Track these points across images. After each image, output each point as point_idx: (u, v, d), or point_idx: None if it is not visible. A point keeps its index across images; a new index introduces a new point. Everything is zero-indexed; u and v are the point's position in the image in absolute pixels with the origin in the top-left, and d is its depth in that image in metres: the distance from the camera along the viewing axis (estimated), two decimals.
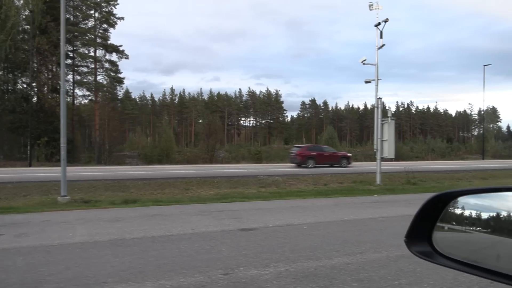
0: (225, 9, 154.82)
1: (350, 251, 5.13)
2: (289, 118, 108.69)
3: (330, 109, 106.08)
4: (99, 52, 39.88)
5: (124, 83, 42.00)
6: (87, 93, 41.56)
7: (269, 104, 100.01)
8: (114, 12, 39.46)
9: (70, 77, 38.63)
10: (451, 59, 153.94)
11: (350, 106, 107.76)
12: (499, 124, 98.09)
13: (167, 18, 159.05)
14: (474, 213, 0.99)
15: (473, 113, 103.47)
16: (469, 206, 1.01)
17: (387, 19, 15.67)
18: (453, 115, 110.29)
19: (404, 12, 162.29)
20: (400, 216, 7.98)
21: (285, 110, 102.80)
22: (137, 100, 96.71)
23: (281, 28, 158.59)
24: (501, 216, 0.89)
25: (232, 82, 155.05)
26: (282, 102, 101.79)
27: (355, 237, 6.14)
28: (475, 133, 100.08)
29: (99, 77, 39.98)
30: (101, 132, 39.62)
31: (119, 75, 40.36)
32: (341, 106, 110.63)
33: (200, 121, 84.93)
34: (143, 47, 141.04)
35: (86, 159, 40.21)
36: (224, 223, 7.38)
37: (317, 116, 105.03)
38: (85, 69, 40.62)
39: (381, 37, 16.04)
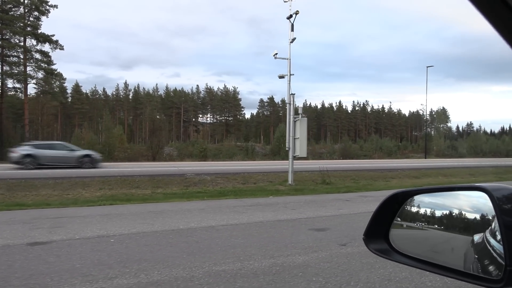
0: (184, 4, 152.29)
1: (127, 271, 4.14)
2: (248, 116, 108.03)
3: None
4: (30, 42, 37.19)
5: (56, 75, 39.27)
6: (18, 85, 38.78)
7: (227, 101, 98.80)
8: (46, 0, 36.91)
9: None
10: (406, 61, 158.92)
11: (308, 105, 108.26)
12: (449, 124, 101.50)
13: (124, 11, 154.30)
14: (429, 211, 1.02)
15: (425, 113, 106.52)
16: (423, 204, 1.04)
17: (297, 11, 14.95)
18: (407, 115, 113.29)
19: (360, 14, 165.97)
20: (249, 223, 7.12)
21: (242, 107, 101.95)
22: (89, 94, 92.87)
23: (241, 26, 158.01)
24: (453, 214, 0.93)
25: (193, 79, 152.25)
26: (239, 100, 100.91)
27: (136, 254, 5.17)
28: (429, 132, 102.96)
29: (29, 69, 37.22)
30: (32, 127, 37.02)
31: (52, 67, 37.76)
32: (300, 104, 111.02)
33: (158, 116, 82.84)
34: (99, 40, 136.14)
35: None
36: (26, 234, 6.23)
37: (275, 114, 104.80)
38: (15, 59, 37.81)
39: (292, 30, 15.29)
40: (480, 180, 20.04)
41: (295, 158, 15.83)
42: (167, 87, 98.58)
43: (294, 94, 15.87)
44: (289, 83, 15.80)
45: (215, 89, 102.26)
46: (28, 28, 36.72)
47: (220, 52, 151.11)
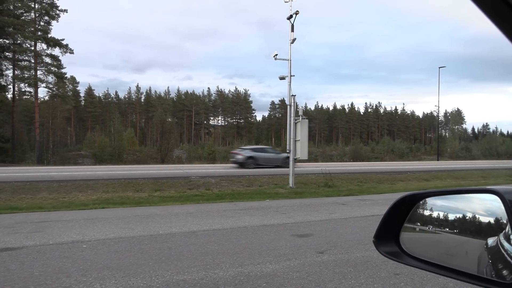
0: (196, 8, 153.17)
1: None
2: (260, 118, 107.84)
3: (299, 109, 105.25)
4: (40, 46, 37.68)
5: (65, 79, 39.72)
6: (29, 89, 39.34)
7: (238, 103, 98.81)
8: (56, 4, 37.40)
9: (9, 72, 36.50)
10: (420, 62, 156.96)
11: (320, 107, 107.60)
12: (464, 126, 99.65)
13: (136, 15, 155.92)
14: (441, 214, 1.00)
15: (438, 114, 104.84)
16: (436, 207, 1.02)
17: (297, 11, 14.70)
18: (421, 116, 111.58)
19: (372, 15, 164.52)
20: (230, 229, 6.88)
21: (254, 110, 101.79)
22: (102, 98, 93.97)
23: (253, 28, 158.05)
24: (467, 217, 0.91)
25: (205, 82, 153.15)
26: (251, 102, 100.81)
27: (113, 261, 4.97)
28: (443, 134, 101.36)
29: (39, 73, 37.69)
30: (42, 131, 37.46)
31: (62, 71, 38.19)
32: (311, 106, 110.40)
33: (169, 119, 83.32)
34: (112, 44, 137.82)
35: (30, 159, 38.18)
36: (1, 240, 6.10)
37: (286, 116, 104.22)
38: (26, 63, 38.35)
39: (292, 30, 15.04)
40: (490, 183, 19.42)
41: (296, 160, 15.54)
42: (178, 90, 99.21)
43: (295, 95, 15.63)
44: (290, 84, 15.53)
45: (226, 91, 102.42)
46: (39, 33, 37.20)
47: (231, 55, 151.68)
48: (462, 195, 0.99)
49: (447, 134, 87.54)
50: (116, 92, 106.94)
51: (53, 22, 37.98)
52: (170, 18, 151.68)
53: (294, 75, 15.53)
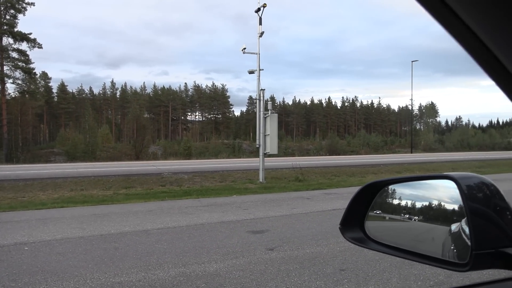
0: (170, 1, 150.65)
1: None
2: (238, 113, 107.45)
3: (277, 104, 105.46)
4: (6, 41, 36.33)
5: (34, 74, 38.45)
6: None
7: (215, 98, 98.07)
8: None
9: None
10: (394, 56, 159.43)
11: (297, 101, 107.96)
12: (438, 119, 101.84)
13: (109, 9, 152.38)
14: (408, 203, 1.02)
15: (414, 108, 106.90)
16: (403, 196, 1.04)
17: (264, 4, 14.53)
18: (396, 110, 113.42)
19: (347, 10, 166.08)
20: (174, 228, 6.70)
21: (231, 105, 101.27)
22: (75, 93, 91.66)
23: (228, 23, 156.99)
24: (432, 205, 0.94)
25: (181, 77, 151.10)
26: (228, 97, 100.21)
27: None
28: (417, 127, 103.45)
29: (6, 68, 36.38)
30: (11, 128, 36.21)
31: (30, 66, 36.95)
32: (289, 101, 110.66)
33: (146, 115, 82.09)
34: (85, 39, 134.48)
35: None
36: None
37: None
38: None
39: (260, 23, 14.87)
40: None
41: (266, 155, 15.42)
42: (154, 85, 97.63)
43: (264, 89, 15.43)
44: (259, 78, 15.36)
45: (204, 86, 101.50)
46: (4, 27, 35.84)
47: (207, 50, 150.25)
48: (425, 182, 1.02)
49: (421, 127, 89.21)
50: (90, 88, 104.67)
51: (20, 16, 36.67)
52: (144, 12, 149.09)
53: (263, 69, 15.37)
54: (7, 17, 36.51)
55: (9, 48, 36.22)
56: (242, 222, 7.09)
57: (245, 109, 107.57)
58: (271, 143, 15.15)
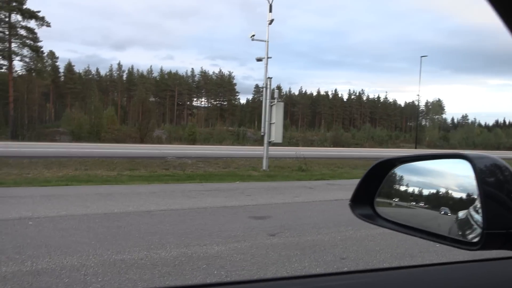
0: None
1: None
2: (244, 101, 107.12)
3: (283, 93, 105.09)
4: (15, 18, 36.24)
5: (41, 53, 38.42)
6: (4, 62, 37.95)
7: (222, 85, 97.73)
8: None
9: None
10: (403, 51, 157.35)
11: (303, 92, 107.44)
12: (444, 116, 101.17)
13: None
14: (412, 188, 1.02)
15: (420, 104, 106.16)
16: (408, 181, 1.04)
17: None
18: (402, 105, 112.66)
19: (357, 2, 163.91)
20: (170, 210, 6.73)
21: (237, 92, 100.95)
22: (82, 74, 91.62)
23: (235, 9, 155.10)
24: (440, 192, 0.93)
25: (187, 62, 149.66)
26: (235, 84, 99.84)
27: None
28: (422, 123, 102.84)
29: (14, 45, 36.37)
30: (17, 106, 36.34)
31: (38, 44, 36.91)
32: (295, 91, 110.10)
33: (152, 99, 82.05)
34: (90, 20, 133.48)
35: (4, 135, 37.07)
36: None
37: None
38: (0, 35, 36.90)
39: (270, 11, 14.73)
40: None
41: (270, 143, 15.42)
42: (161, 70, 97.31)
43: (271, 78, 15.34)
44: (266, 66, 15.30)
45: (210, 73, 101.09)
46: (14, 3, 35.73)
47: (213, 36, 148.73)
48: (435, 166, 1.03)
49: (427, 124, 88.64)
50: (97, 69, 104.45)
51: None
52: None
53: (271, 57, 15.27)
54: None
55: (18, 25, 36.17)
56: (244, 207, 7.13)
57: (251, 97, 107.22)
58: (276, 131, 15.14)
